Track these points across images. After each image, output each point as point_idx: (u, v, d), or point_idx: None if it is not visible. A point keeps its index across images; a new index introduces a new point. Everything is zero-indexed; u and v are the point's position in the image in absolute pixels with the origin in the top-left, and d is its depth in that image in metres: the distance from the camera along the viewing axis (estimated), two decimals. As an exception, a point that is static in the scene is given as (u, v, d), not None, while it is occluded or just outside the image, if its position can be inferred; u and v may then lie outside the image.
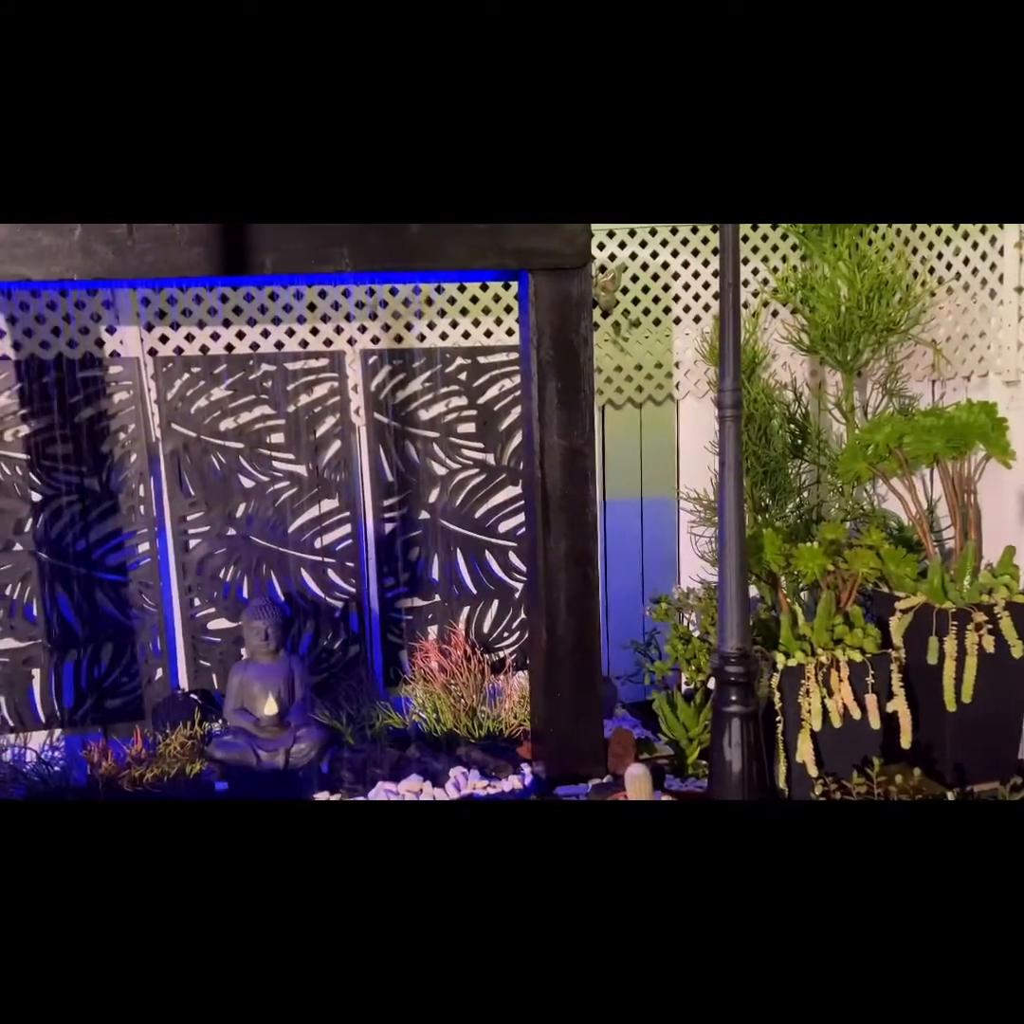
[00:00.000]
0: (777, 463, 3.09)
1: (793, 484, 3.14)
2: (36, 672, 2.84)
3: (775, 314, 3.22)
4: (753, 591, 3.06)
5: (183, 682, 2.98)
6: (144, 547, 2.89)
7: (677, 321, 3.21)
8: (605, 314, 3.16)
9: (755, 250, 3.20)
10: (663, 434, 3.30)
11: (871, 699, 2.27)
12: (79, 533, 2.82)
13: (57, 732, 2.88)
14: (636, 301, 3.16)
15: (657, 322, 3.19)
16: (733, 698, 2.12)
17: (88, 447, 2.80)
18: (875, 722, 2.29)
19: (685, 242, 3.16)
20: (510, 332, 3.09)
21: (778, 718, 2.30)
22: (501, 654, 3.20)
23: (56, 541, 2.81)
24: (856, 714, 2.27)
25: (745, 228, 3.17)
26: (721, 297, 2.09)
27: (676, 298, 3.19)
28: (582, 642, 2.50)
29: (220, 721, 2.87)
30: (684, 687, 2.96)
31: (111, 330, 2.79)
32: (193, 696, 2.93)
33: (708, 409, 3.16)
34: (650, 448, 3.30)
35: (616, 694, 3.16)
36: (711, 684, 2.43)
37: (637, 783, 2.26)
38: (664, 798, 2.36)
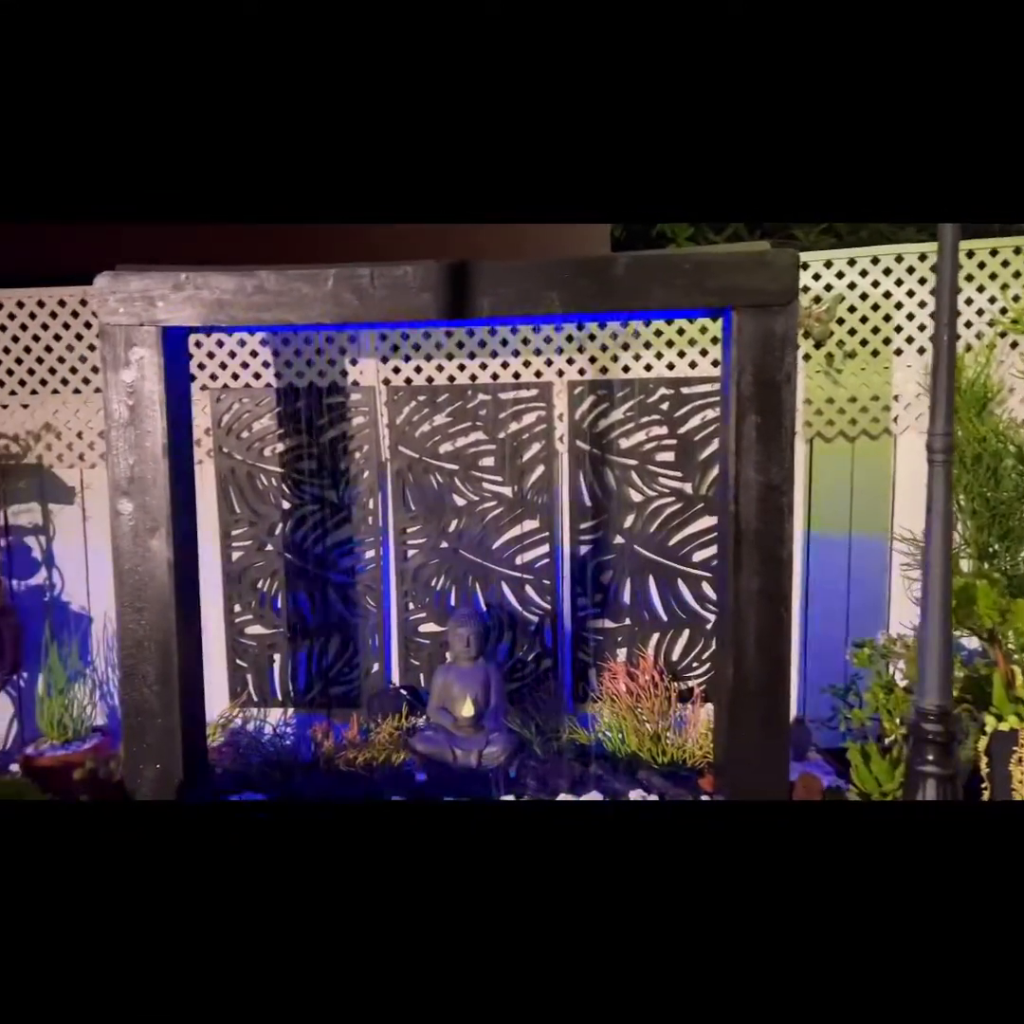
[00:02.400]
0: (1008, 507, 2.84)
1: (1026, 531, 2.86)
2: (277, 657, 3.29)
3: (1014, 345, 2.96)
4: (974, 644, 2.84)
5: (395, 677, 3.30)
6: (370, 554, 3.25)
7: (898, 352, 3.06)
8: (818, 345, 3.08)
9: (993, 277, 2.97)
10: (878, 470, 3.14)
11: (1101, 778, 2.04)
12: (318, 538, 3.24)
13: (290, 711, 3.31)
14: (852, 332, 3.05)
15: (875, 353, 3.06)
16: (929, 757, 2.00)
17: (329, 464, 3.21)
18: (1105, 804, 2.05)
19: (911, 270, 3.00)
20: (715, 363, 3.11)
21: (984, 785, 2.13)
22: (689, 683, 3.21)
23: (299, 544, 3.24)
24: (1081, 792, 2.05)
25: (982, 254, 2.95)
26: (935, 336, 2.00)
27: (898, 329, 3.04)
28: (770, 681, 2.46)
29: (424, 716, 3.16)
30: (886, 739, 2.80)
31: (354, 362, 3.19)
32: (403, 691, 3.24)
33: (929, 446, 2.97)
34: (863, 484, 3.15)
35: (810, 737, 3.05)
36: (911, 739, 2.30)
37: (819, 832, 2.19)
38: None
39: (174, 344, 2.53)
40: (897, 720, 2.61)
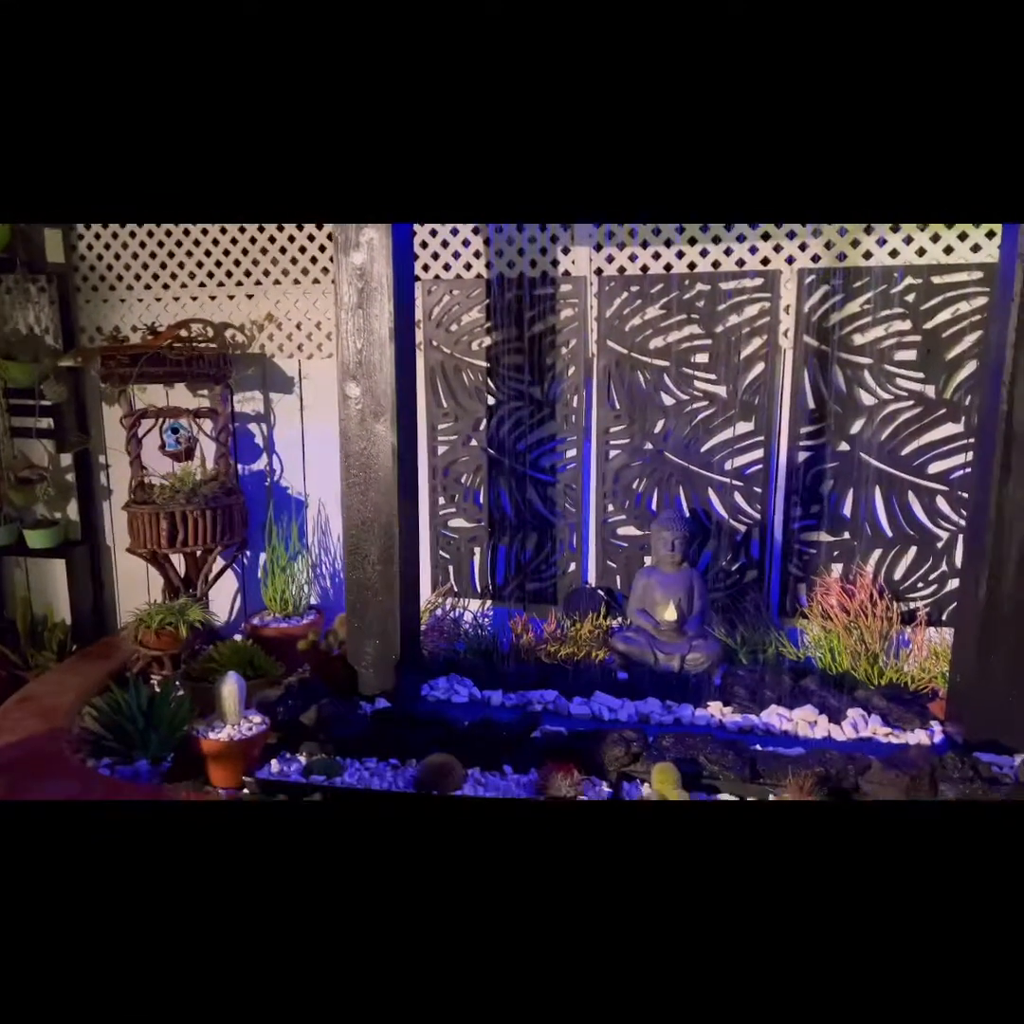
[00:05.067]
0: None
1: None
2: (477, 550, 3.35)
3: None
4: None
5: (591, 578, 3.27)
6: (571, 453, 3.20)
7: None
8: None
9: None
10: None
11: None
12: (521, 435, 3.21)
13: (487, 603, 3.38)
14: None
15: None
16: None
17: (535, 359, 3.14)
18: None
19: None
20: (976, 248, 2.73)
21: None
22: (913, 605, 2.97)
23: (502, 441, 3.23)
24: None
25: None
26: None
27: None
28: (1031, 602, 2.21)
29: (621, 618, 3.12)
30: None
31: (566, 251, 3.06)
32: (599, 591, 3.22)
33: None
34: None
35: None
36: None
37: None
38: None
39: (402, 227, 2.50)
40: None
